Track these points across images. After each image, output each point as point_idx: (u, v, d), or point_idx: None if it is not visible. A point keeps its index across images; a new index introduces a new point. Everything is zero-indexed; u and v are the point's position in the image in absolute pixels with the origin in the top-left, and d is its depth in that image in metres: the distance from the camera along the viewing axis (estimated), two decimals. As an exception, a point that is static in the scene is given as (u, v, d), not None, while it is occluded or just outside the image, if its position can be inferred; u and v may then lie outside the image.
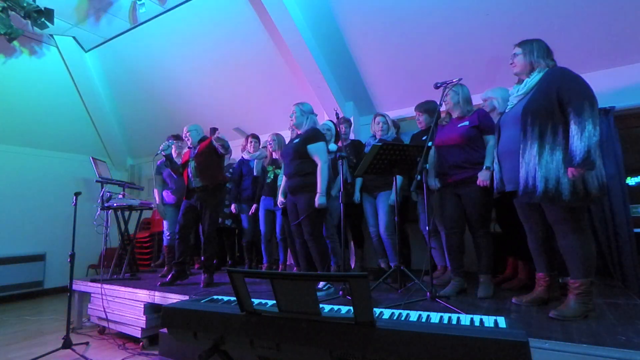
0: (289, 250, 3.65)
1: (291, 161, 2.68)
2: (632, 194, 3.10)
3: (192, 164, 3.23)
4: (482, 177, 2.26)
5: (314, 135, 2.65)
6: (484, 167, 2.28)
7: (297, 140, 2.70)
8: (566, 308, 1.79)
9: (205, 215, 3.17)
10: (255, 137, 4.04)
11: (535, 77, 1.93)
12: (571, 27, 2.98)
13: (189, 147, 3.41)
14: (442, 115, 2.69)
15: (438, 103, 2.41)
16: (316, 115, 2.85)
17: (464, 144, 2.36)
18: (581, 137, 1.65)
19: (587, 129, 1.64)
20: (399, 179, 2.75)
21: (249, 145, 3.99)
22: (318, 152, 2.60)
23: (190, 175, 3.23)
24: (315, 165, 2.61)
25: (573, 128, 1.69)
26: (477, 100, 2.77)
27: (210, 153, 3.20)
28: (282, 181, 2.94)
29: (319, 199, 2.53)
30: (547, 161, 1.77)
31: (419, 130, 3.16)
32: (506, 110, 2.12)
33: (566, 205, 1.75)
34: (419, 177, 2.22)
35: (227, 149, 3.12)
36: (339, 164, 2.54)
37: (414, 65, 3.71)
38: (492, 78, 3.35)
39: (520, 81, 2.04)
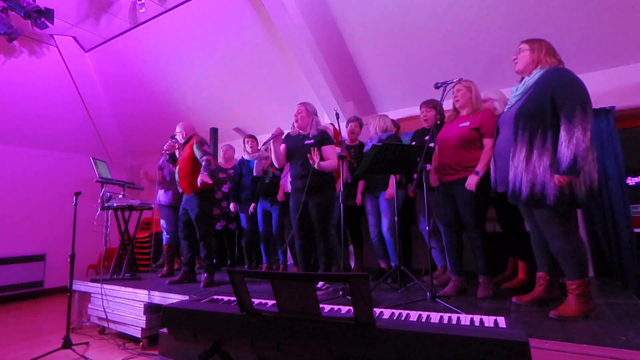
0: (288, 250, 3.64)
1: (306, 161, 2.70)
2: (632, 194, 3.10)
3: (177, 168, 3.27)
4: (468, 181, 2.24)
5: (328, 137, 2.75)
6: (474, 172, 2.25)
7: (310, 142, 2.71)
8: (566, 308, 1.79)
9: (194, 218, 3.20)
10: (252, 137, 4.03)
11: (535, 75, 1.92)
12: (571, 27, 2.98)
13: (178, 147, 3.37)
14: (449, 113, 2.68)
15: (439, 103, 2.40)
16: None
17: (461, 145, 2.34)
18: (568, 144, 1.65)
19: (576, 135, 1.64)
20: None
21: (246, 145, 3.98)
22: (334, 154, 2.69)
23: (176, 178, 3.27)
24: None
25: (562, 134, 1.69)
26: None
27: (191, 161, 3.23)
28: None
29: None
30: (534, 166, 1.78)
31: (422, 128, 3.12)
32: (505, 110, 2.12)
33: (550, 209, 1.76)
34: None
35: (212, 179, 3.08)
36: (339, 165, 2.55)
37: (414, 65, 3.71)
38: (492, 78, 3.35)
39: (521, 79, 2.02)
